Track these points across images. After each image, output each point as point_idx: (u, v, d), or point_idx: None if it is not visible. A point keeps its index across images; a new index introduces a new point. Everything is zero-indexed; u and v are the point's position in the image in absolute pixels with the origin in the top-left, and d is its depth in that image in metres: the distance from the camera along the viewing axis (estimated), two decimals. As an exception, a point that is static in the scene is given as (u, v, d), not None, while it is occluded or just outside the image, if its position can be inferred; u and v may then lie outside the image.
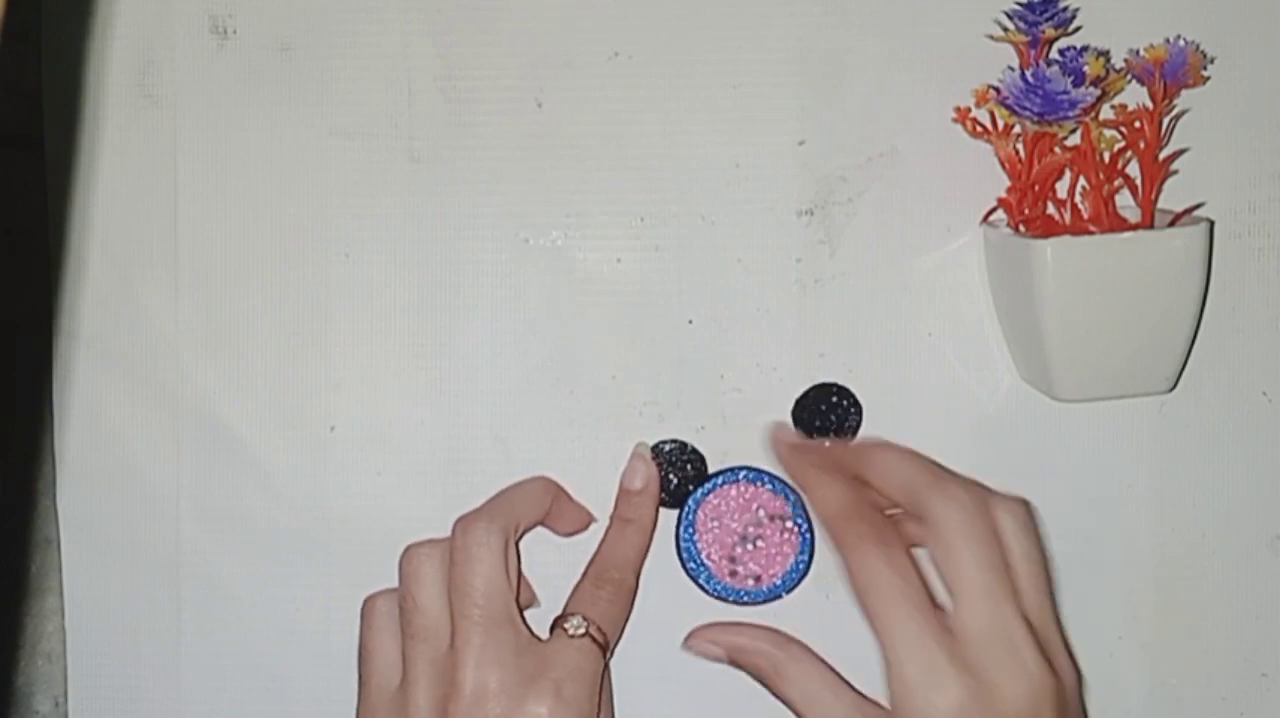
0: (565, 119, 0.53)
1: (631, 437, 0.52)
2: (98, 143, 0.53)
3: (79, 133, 0.53)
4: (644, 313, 0.53)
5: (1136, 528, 0.52)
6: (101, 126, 0.53)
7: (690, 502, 0.52)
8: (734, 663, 0.49)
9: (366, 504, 0.53)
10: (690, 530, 0.51)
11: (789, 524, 0.51)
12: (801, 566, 0.51)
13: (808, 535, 0.51)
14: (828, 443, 0.51)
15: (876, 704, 0.45)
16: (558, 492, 0.52)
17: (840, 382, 0.52)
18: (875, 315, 0.52)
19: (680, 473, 0.52)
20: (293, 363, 0.53)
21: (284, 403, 0.53)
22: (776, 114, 0.52)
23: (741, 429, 0.52)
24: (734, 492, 0.51)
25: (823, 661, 0.48)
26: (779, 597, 0.51)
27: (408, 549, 0.48)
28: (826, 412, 0.52)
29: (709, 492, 0.52)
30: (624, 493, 0.52)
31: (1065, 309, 0.47)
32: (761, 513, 0.51)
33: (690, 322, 0.53)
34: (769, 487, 0.51)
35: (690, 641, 0.51)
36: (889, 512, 0.48)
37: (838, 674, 0.47)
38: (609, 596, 0.49)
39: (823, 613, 0.52)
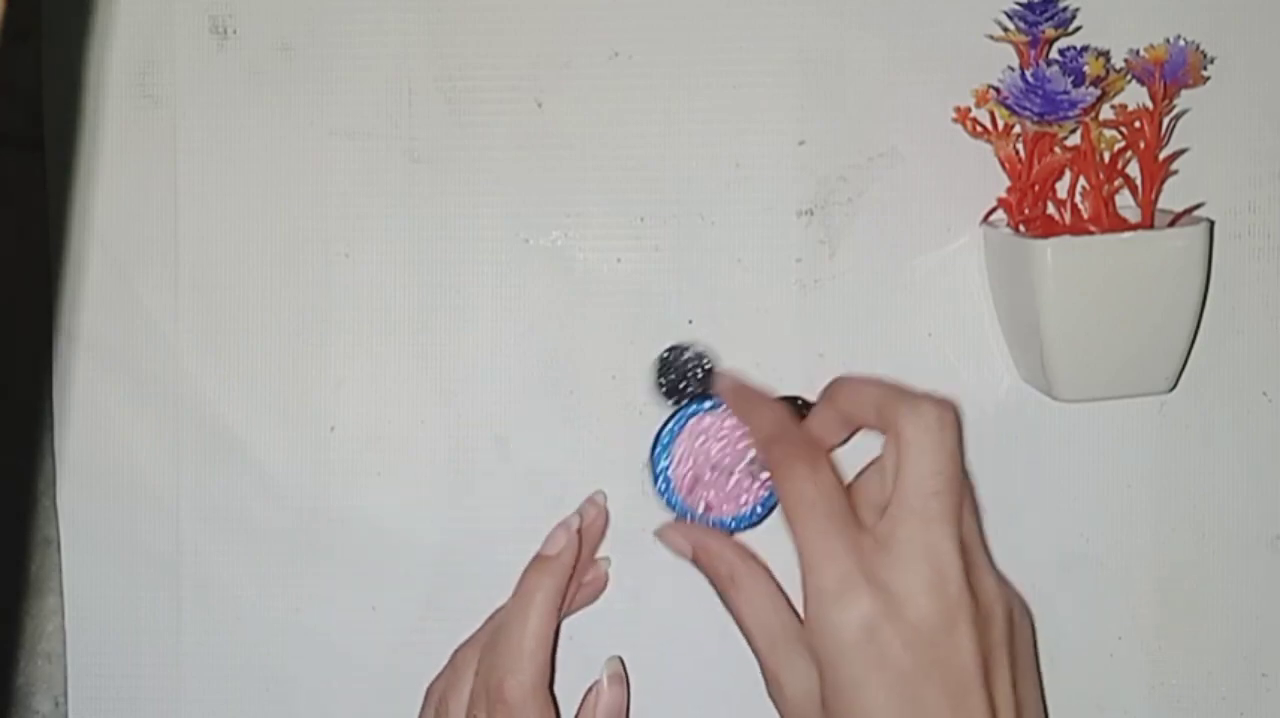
0: (565, 119, 0.53)
1: (632, 437, 0.52)
2: (98, 143, 0.53)
3: (79, 133, 0.53)
4: (644, 313, 0.53)
5: (1136, 528, 0.52)
6: (101, 126, 0.53)
7: (684, 412, 0.51)
8: (696, 562, 0.49)
9: (366, 504, 0.53)
10: (671, 436, 0.51)
11: (764, 474, 0.51)
12: (754, 515, 0.50)
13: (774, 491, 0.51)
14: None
15: None
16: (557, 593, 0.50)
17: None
18: (875, 316, 0.52)
19: (689, 379, 0.52)
20: (293, 363, 0.53)
21: (284, 403, 0.53)
22: (776, 114, 0.52)
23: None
24: (731, 422, 0.51)
25: (778, 585, 0.48)
26: (753, 525, 0.51)
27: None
28: (685, 366, 0.52)
29: (704, 410, 0.51)
30: (535, 558, 0.50)
31: (1065, 309, 0.47)
32: (747, 452, 0.51)
33: (690, 322, 0.53)
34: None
35: (663, 531, 0.50)
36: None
37: (788, 599, 0.48)
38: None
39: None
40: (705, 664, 0.52)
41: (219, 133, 0.53)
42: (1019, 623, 0.46)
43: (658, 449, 0.51)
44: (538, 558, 0.50)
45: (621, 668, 0.51)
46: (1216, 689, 0.53)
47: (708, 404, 0.51)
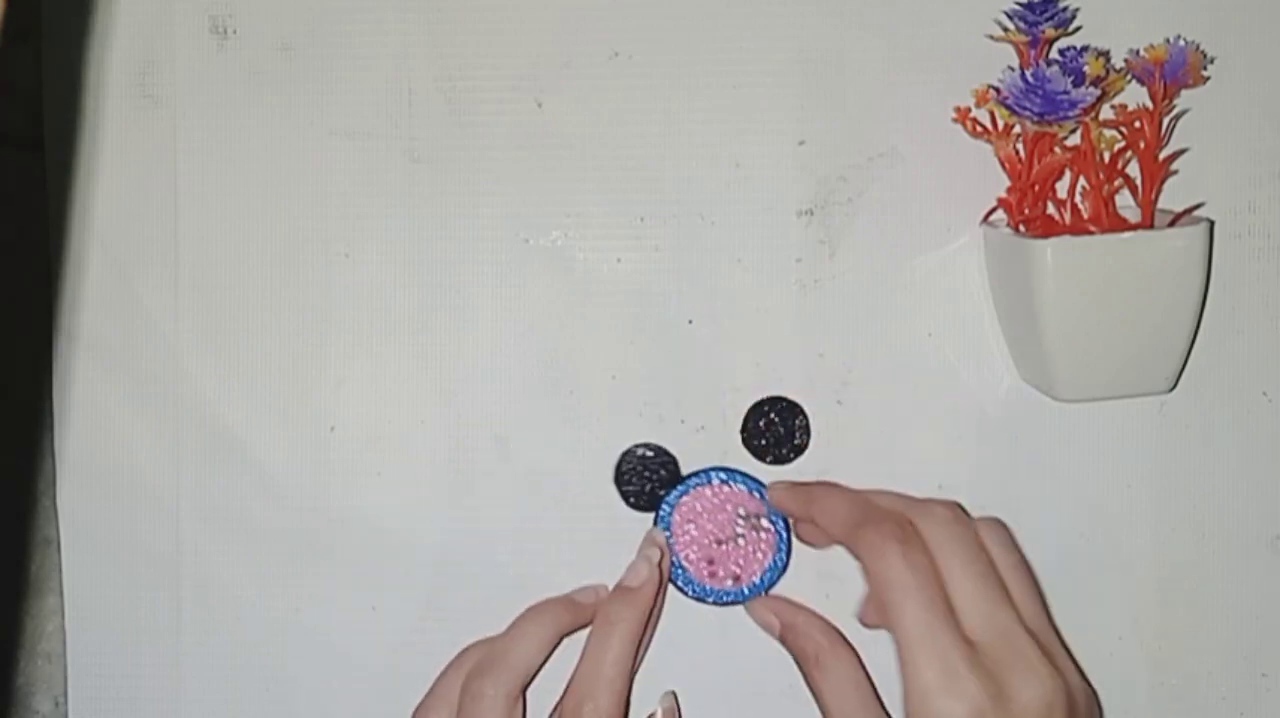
0: (565, 119, 0.53)
1: (631, 437, 0.52)
2: (98, 143, 0.53)
3: (79, 133, 0.53)
4: (644, 313, 0.53)
5: (1136, 528, 0.52)
6: (101, 126, 0.53)
7: (664, 505, 0.52)
8: (783, 639, 0.49)
9: (366, 504, 0.53)
10: (666, 534, 0.51)
11: (764, 523, 0.51)
12: (780, 563, 0.51)
13: (784, 533, 0.51)
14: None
15: None
16: (562, 614, 0.50)
17: (838, 382, 0.52)
18: (875, 316, 0.52)
19: (654, 477, 0.52)
20: (293, 363, 0.53)
21: (284, 403, 0.53)
22: (776, 114, 0.52)
23: (741, 429, 0.52)
24: (708, 493, 0.51)
25: (863, 667, 0.48)
26: (759, 596, 0.51)
27: (419, 709, 0.49)
28: (777, 423, 0.52)
29: (683, 494, 0.52)
30: (618, 589, 0.50)
31: (1065, 309, 0.47)
32: (737, 513, 0.51)
33: (690, 322, 0.53)
34: (742, 486, 0.51)
35: (751, 606, 0.51)
36: None
37: (873, 685, 0.47)
38: None
39: (821, 612, 0.52)
40: (701, 664, 0.52)
41: (219, 133, 0.53)
42: (1091, 702, 0.46)
43: None
44: (620, 589, 0.49)
45: (675, 704, 0.51)
46: (1216, 689, 0.52)
47: (678, 490, 0.52)
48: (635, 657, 0.48)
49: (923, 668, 0.43)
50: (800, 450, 0.52)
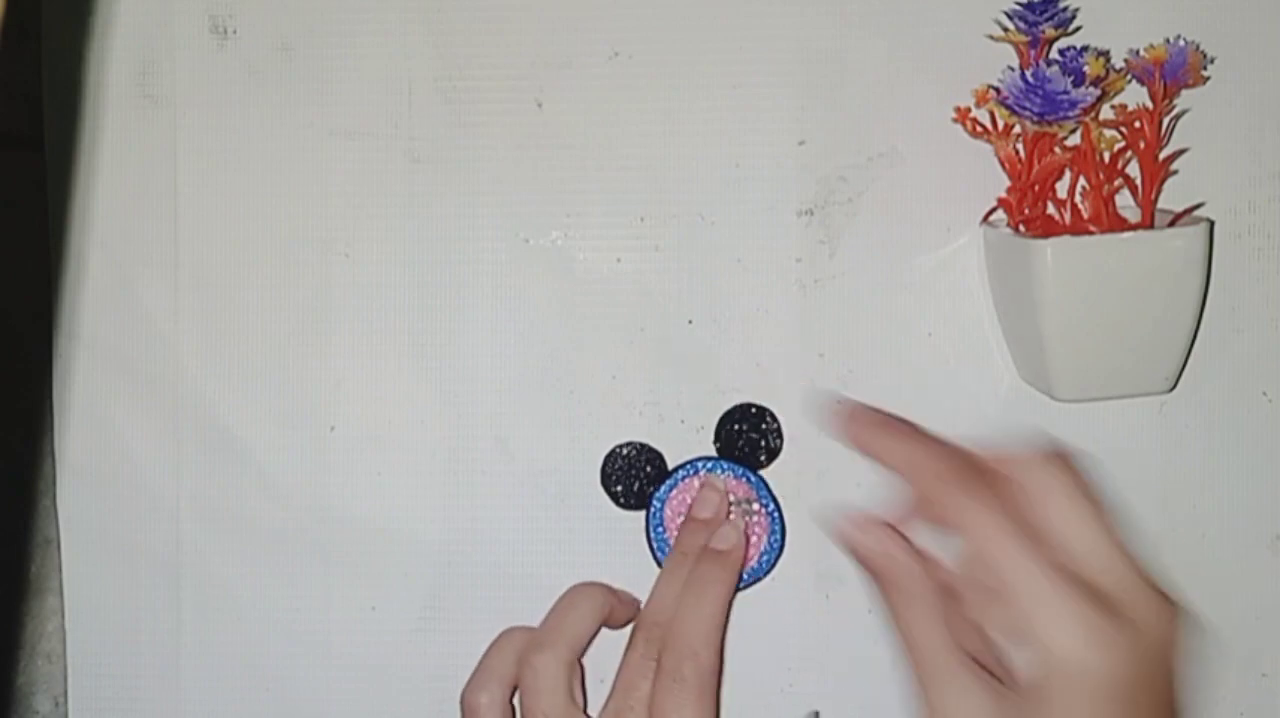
0: (565, 119, 0.53)
1: (631, 437, 0.52)
2: (98, 143, 0.53)
3: (79, 133, 0.53)
4: (644, 313, 0.53)
5: (1137, 528, 0.52)
6: (101, 126, 0.53)
7: (655, 501, 0.52)
8: (866, 564, 0.46)
9: (366, 504, 0.53)
10: (660, 529, 0.51)
11: (755, 507, 0.51)
12: (776, 544, 0.51)
13: (775, 514, 0.51)
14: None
15: (989, 675, 0.43)
16: (608, 595, 0.51)
17: (838, 383, 0.52)
18: (875, 315, 0.52)
19: (641, 475, 0.52)
20: (293, 363, 0.53)
21: (284, 403, 0.53)
22: (776, 114, 0.52)
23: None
24: (696, 484, 0.52)
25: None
26: (759, 579, 0.51)
27: (470, 685, 0.49)
28: (747, 430, 0.52)
29: (672, 488, 0.52)
30: (689, 523, 0.51)
31: (1065, 309, 0.47)
32: (728, 500, 0.51)
33: (690, 322, 0.53)
34: (730, 473, 0.51)
35: (844, 527, 0.46)
36: None
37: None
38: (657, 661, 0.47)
39: (820, 612, 0.52)
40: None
41: (219, 133, 0.53)
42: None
43: (661, 551, 0.51)
44: (711, 552, 0.49)
45: None
46: (1216, 689, 0.52)
47: (666, 485, 0.52)
48: (725, 623, 0.48)
49: (1054, 630, 0.41)
50: (774, 454, 0.52)
